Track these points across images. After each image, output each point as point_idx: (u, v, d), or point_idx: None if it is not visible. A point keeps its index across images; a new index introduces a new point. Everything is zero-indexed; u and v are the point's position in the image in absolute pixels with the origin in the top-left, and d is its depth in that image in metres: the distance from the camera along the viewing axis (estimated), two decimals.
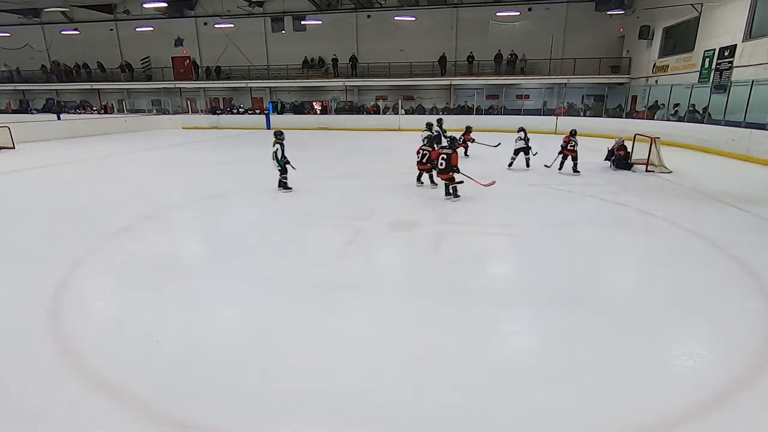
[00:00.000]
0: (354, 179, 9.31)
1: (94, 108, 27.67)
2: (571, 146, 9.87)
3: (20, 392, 2.59)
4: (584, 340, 3.12)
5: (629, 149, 10.65)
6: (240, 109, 25.84)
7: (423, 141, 8.25)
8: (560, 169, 9.87)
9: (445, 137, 10.34)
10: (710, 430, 2.30)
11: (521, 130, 10.89)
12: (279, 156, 7.62)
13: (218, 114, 24.98)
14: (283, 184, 7.89)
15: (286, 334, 3.21)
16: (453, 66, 24.06)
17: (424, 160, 7.98)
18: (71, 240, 5.30)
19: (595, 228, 5.89)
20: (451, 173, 7.06)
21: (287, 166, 7.77)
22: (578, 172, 9.65)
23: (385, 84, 25.13)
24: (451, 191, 7.21)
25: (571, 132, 10.18)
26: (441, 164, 7.13)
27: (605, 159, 10.99)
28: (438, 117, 13.47)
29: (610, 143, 11.13)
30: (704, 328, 3.38)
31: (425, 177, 8.26)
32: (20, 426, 2.34)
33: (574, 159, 9.85)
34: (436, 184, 8.00)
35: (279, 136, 7.73)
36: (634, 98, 19.91)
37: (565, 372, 2.75)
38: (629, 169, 10.45)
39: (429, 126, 10.41)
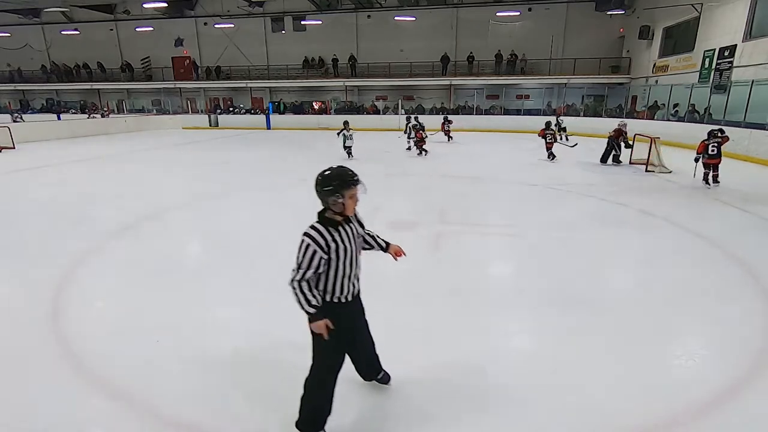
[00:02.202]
0: None
1: (99, 111, 26.90)
2: (549, 139, 11.34)
3: (21, 392, 2.58)
4: (584, 340, 3.11)
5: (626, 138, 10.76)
6: (239, 109, 25.82)
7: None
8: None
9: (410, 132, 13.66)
10: (711, 430, 2.30)
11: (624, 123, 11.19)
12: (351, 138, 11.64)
13: (217, 114, 24.85)
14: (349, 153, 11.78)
15: (286, 334, 3.21)
16: (453, 66, 24.06)
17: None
18: (71, 240, 5.30)
19: (595, 228, 5.89)
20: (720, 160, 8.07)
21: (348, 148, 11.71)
22: (552, 157, 11.33)
23: (385, 84, 25.13)
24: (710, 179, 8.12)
25: (546, 124, 11.72)
26: (713, 150, 7.98)
27: (608, 145, 10.97)
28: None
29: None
30: (704, 328, 3.38)
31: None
32: (21, 426, 2.34)
33: (548, 149, 11.35)
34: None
35: (348, 125, 11.64)
36: (634, 98, 19.93)
37: (564, 372, 2.74)
38: (617, 162, 10.68)
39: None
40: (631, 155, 10.73)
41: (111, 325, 3.38)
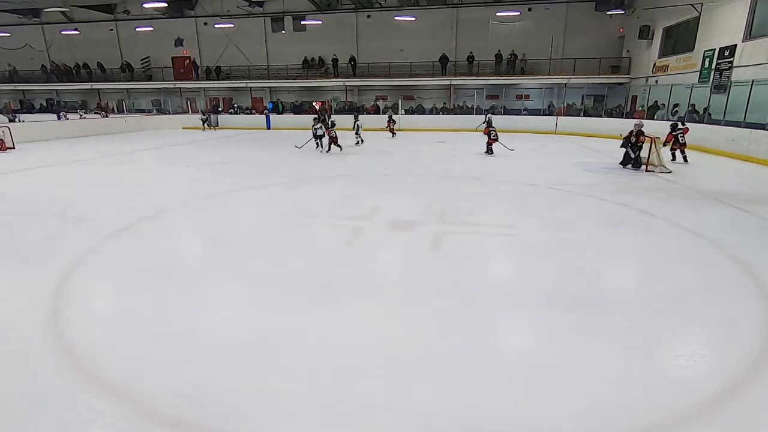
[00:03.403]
0: (353, 179, 9.31)
1: (101, 109, 26.54)
2: (493, 136, 12.36)
3: (21, 392, 2.58)
4: (584, 340, 3.11)
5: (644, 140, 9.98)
6: (235, 109, 25.70)
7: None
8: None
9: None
10: (711, 430, 2.30)
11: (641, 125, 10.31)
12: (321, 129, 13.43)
13: (205, 117, 23.47)
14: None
15: (286, 335, 3.21)
16: (453, 66, 24.05)
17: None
18: (71, 240, 5.30)
19: (595, 228, 5.89)
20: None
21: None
22: (491, 152, 12.52)
23: (385, 84, 25.12)
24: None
25: (486, 121, 13.32)
26: (682, 139, 10.97)
27: (621, 146, 10.32)
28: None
29: (626, 135, 10.31)
30: (704, 329, 3.38)
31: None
32: (21, 426, 2.34)
33: (489, 143, 12.48)
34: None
35: (317, 121, 13.70)
36: (634, 98, 19.93)
37: (564, 372, 2.74)
38: (638, 167, 9.93)
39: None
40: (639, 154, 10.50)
41: (111, 325, 3.39)
